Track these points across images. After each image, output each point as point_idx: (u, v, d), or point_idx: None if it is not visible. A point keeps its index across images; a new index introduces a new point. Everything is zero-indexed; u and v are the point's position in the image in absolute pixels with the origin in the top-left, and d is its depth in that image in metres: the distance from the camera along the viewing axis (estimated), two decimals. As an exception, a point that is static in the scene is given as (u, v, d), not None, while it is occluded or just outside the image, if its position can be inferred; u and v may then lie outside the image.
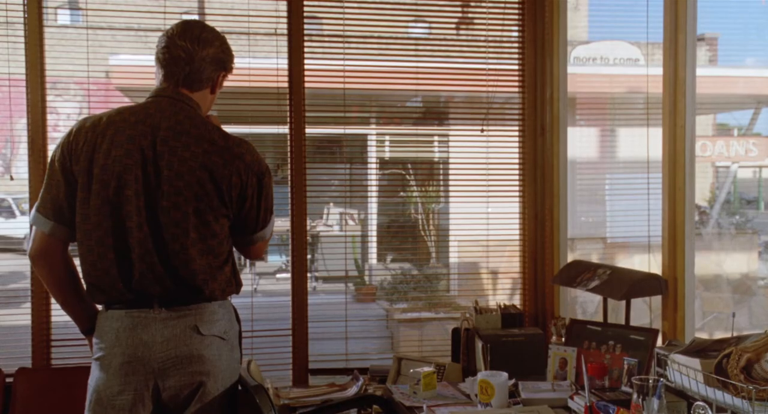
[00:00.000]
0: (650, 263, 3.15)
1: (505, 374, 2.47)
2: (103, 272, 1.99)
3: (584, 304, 4.55)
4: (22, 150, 3.25)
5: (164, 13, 3.32)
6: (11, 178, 3.34)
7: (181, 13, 3.78)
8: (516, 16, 3.59)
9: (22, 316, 3.20)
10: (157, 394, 2.01)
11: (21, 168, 3.28)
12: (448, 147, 3.98)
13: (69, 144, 2.01)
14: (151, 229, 1.98)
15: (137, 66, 3.93)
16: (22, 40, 3.16)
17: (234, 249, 2.18)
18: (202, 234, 2.01)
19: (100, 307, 2.09)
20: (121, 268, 1.99)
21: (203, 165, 1.99)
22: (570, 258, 3.48)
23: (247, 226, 2.13)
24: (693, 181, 2.69)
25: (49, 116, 3.24)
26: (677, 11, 2.67)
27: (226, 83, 2.23)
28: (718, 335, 2.33)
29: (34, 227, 2.05)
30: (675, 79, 2.69)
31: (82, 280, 2.08)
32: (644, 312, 3.33)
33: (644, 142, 3.26)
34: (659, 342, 2.62)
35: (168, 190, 1.97)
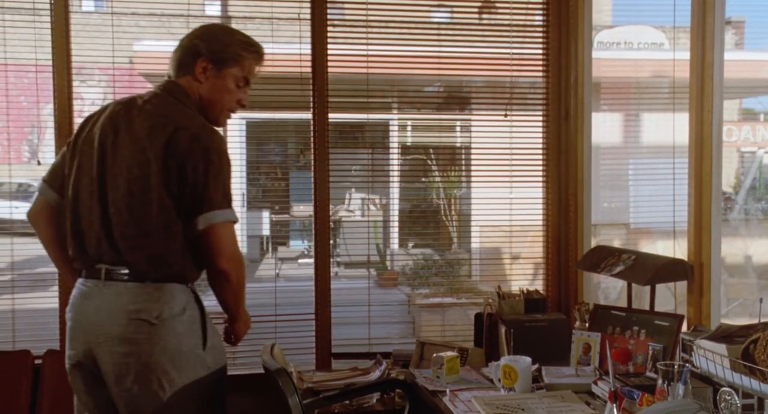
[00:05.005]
0: (675, 249, 3.13)
1: (528, 359, 2.47)
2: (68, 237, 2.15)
3: (606, 290, 4.53)
4: (49, 135, 3.28)
5: (188, -2, 3.33)
6: (38, 164, 3.38)
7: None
8: (540, 1, 3.55)
9: (50, 299, 3.25)
10: (98, 366, 2.08)
11: (48, 153, 3.31)
12: (470, 133, 3.97)
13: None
14: (102, 205, 2.07)
15: (161, 52, 3.92)
16: (49, 26, 3.19)
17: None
18: (144, 212, 2.03)
19: None
20: (77, 238, 2.12)
21: (150, 138, 2.04)
22: (593, 244, 3.46)
23: (191, 204, 2.03)
24: (720, 166, 2.66)
25: (74, 102, 3.27)
26: (705, -6, 2.64)
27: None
28: (744, 321, 2.30)
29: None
30: (702, 63, 2.66)
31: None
32: (668, 298, 3.31)
33: (669, 128, 3.23)
34: (684, 328, 2.60)
35: (118, 168, 2.06)
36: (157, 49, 4.02)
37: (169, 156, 2.01)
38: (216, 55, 2.17)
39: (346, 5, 3.66)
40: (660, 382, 1.98)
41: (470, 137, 3.94)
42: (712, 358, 2.08)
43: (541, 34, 3.57)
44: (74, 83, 3.27)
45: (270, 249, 5.44)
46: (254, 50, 2.23)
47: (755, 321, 2.20)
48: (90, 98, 3.72)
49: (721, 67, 2.63)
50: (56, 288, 3.23)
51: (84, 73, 3.53)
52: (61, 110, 3.20)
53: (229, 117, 2.27)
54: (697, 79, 2.68)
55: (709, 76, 2.63)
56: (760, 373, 1.91)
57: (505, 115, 3.58)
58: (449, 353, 2.68)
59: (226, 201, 2.05)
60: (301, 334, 3.43)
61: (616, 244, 4.46)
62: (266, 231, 5.06)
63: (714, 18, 2.62)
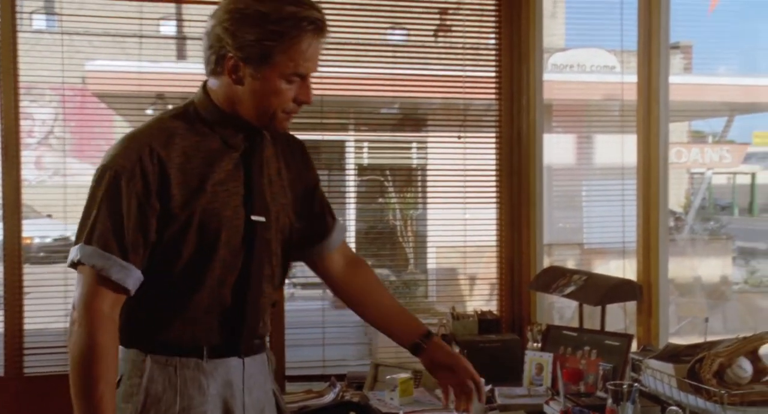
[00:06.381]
0: (625, 269, 3.18)
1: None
2: None
3: (561, 309, 4.57)
4: (-5, 155, 3.21)
5: (140, 18, 3.30)
6: (-16, 184, 3.30)
7: (158, 19, 3.76)
8: (493, 23, 3.60)
9: (-7, 323, 3.16)
10: None
11: (-6, 173, 3.23)
12: (426, 153, 3.99)
13: None
14: None
15: (114, 72, 3.90)
16: (-5, 45, 3.13)
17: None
18: None
19: None
20: None
21: None
22: (547, 264, 3.49)
23: None
24: (666, 187, 2.72)
25: (23, 122, 3.20)
26: (651, 19, 2.70)
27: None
28: (693, 340, 2.34)
29: None
30: (649, 87, 2.72)
31: None
32: (621, 317, 3.36)
33: (619, 149, 3.29)
34: (634, 347, 2.64)
35: None
36: (110, 69, 3.98)
37: None
38: (248, 51, 1.49)
39: (300, 26, 3.66)
40: (610, 401, 2.00)
41: (426, 158, 3.97)
42: (659, 377, 2.11)
43: (493, 57, 3.61)
44: (23, 102, 3.21)
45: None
46: (309, 25, 1.51)
47: (703, 339, 2.24)
48: (40, 118, 3.66)
49: (667, 90, 2.70)
50: (1, 312, 3.14)
51: (34, 93, 3.47)
52: (7, 130, 3.13)
53: (288, 119, 1.63)
54: (643, 102, 2.74)
55: (655, 99, 2.70)
56: (705, 391, 1.95)
57: (459, 138, 3.61)
58: (403, 375, 2.67)
59: (79, 237, 1.49)
60: (255, 356, 3.39)
61: (571, 264, 4.51)
62: (221, 252, 5.00)
63: (659, 42, 2.69)
